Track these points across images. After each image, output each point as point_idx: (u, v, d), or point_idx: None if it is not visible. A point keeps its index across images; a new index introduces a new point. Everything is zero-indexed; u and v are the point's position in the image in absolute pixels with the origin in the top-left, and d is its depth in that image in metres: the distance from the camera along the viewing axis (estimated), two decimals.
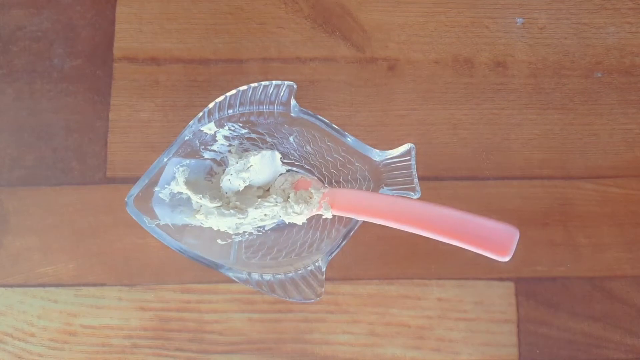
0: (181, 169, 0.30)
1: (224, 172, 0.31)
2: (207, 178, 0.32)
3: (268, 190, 0.32)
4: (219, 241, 0.31)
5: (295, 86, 0.30)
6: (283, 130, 0.31)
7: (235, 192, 0.31)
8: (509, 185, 0.36)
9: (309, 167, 0.32)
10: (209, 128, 0.30)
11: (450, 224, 0.25)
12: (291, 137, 0.32)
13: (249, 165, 0.31)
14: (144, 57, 0.36)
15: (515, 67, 0.37)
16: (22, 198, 0.35)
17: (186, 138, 0.30)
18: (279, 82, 0.30)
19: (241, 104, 0.30)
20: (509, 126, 0.36)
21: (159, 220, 0.29)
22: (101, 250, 0.35)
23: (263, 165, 0.31)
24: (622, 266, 0.35)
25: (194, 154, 0.31)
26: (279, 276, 0.28)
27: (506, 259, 0.25)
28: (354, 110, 0.36)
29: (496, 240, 0.25)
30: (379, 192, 0.29)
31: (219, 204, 0.30)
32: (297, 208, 0.30)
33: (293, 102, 0.30)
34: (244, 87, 0.30)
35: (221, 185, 0.31)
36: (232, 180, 0.31)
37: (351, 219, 0.29)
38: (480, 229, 0.25)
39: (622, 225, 0.36)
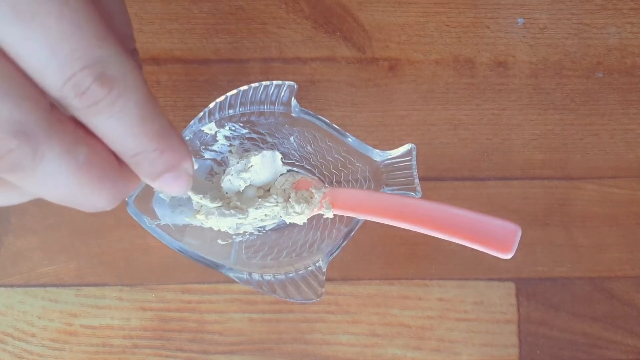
0: None
1: (224, 172, 0.31)
2: (208, 178, 0.32)
3: (269, 190, 0.32)
4: (219, 241, 0.31)
5: (296, 86, 0.30)
6: (284, 131, 0.31)
7: (235, 192, 0.31)
8: (510, 186, 0.36)
9: (309, 167, 0.32)
10: (210, 128, 0.30)
11: (451, 221, 0.25)
12: (292, 137, 0.32)
13: (249, 165, 0.31)
14: (144, 57, 0.36)
15: (516, 68, 0.37)
16: None
17: (187, 138, 0.30)
18: (280, 82, 0.30)
19: (242, 104, 0.30)
20: (510, 126, 0.36)
21: (160, 220, 0.29)
22: (102, 250, 0.35)
23: (264, 165, 0.31)
24: (622, 266, 0.35)
25: (195, 154, 0.31)
26: (280, 276, 0.28)
27: (508, 256, 0.24)
28: (354, 111, 0.36)
29: (498, 238, 0.25)
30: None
31: (219, 204, 0.30)
32: (298, 208, 0.30)
33: (294, 102, 0.30)
34: (245, 87, 0.30)
35: (222, 185, 0.31)
36: (233, 180, 0.31)
37: (352, 219, 0.29)
38: (481, 226, 0.25)
39: (622, 226, 0.36)
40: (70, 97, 0.13)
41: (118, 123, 0.14)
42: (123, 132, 0.14)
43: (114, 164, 0.15)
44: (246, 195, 0.31)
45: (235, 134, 0.31)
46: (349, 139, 0.30)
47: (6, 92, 0.12)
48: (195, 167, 0.30)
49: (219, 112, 0.30)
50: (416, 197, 0.29)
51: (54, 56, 0.12)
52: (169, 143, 0.15)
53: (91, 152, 0.14)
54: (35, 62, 0.12)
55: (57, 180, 0.14)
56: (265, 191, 0.32)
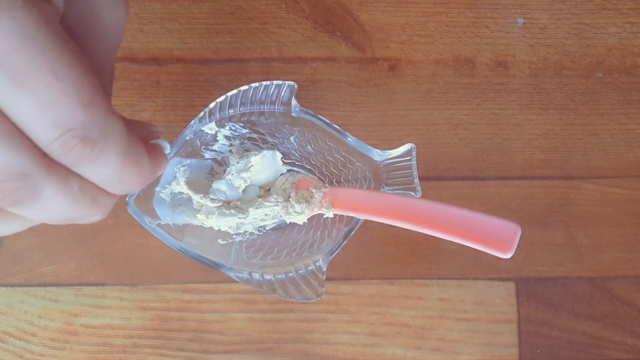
0: (182, 169, 0.30)
1: (224, 172, 0.31)
2: (208, 178, 0.32)
3: (269, 190, 0.32)
4: (219, 241, 0.31)
5: (296, 86, 0.30)
6: (284, 130, 0.31)
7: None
8: (510, 185, 0.36)
9: (309, 167, 0.32)
10: (210, 128, 0.30)
11: (451, 221, 0.25)
12: (292, 137, 0.32)
13: (249, 165, 0.31)
14: (145, 57, 0.37)
15: (516, 67, 0.37)
16: None
17: (187, 138, 0.30)
18: (280, 82, 0.30)
19: (242, 103, 0.30)
20: (510, 126, 0.36)
21: (160, 220, 0.29)
22: (102, 250, 0.35)
23: (264, 165, 0.31)
24: (622, 266, 0.35)
25: (195, 153, 0.31)
26: (280, 276, 0.28)
27: (508, 255, 0.24)
28: (354, 110, 0.36)
29: (498, 237, 0.25)
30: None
31: (219, 204, 0.30)
32: (298, 207, 0.30)
33: (294, 102, 0.30)
34: (245, 87, 0.30)
35: (212, 186, 0.31)
36: (233, 180, 0.31)
37: (352, 218, 0.29)
38: (481, 225, 0.25)
39: (622, 226, 0.36)
40: (57, 153, 0.15)
41: (101, 172, 0.16)
42: (106, 179, 0.17)
43: None
44: (248, 194, 0.31)
45: (236, 133, 0.31)
46: (349, 139, 0.30)
47: (7, 143, 0.14)
48: (193, 175, 0.30)
49: (219, 112, 0.30)
50: (416, 196, 0.29)
51: (41, 119, 0.14)
52: (152, 175, 0.18)
53: (82, 181, 0.17)
54: (25, 123, 0.15)
55: (55, 209, 0.16)
56: (265, 191, 0.32)
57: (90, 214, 0.18)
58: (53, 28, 0.14)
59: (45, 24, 0.14)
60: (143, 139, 0.19)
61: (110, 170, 0.16)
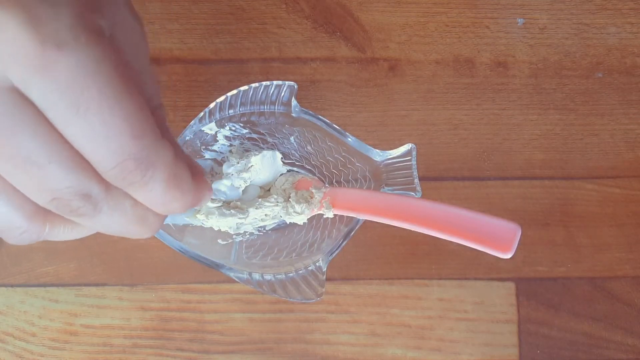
0: None
1: (224, 174, 0.31)
2: (208, 178, 0.32)
3: (269, 190, 0.32)
4: (219, 241, 0.31)
5: (296, 86, 0.30)
6: (284, 131, 0.31)
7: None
8: (510, 186, 0.36)
9: (309, 167, 0.32)
10: (210, 128, 0.30)
11: (451, 221, 0.25)
12: (292, 137, 0.32)
13: (249, 165, 0.31)
14: None
15: (516, 68, 0.37)
16: None
17: (187, 138, 0.30)
18: (280, 82, 0.30)
19: (242, 104, 0.30)
20: (510, 126, 0.36)
21: None
22: (102, 250, 0.35)
23: (264, 165, 0.31)
24: (623, 266, 0.35)
25: (195, 154, 0.31)
26: (280, 276, 0.28)
27: (508, 255, 0.24)
28: (354, 111, 0.36)
29: (498, 237, 0.25)
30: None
31: (219, 204, 0.30)
32: (298, 208, 0.30)
33: (294, 102, 0.30)
34: (245, 87, 0.30)
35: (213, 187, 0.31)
36: (233, 180, 0.31)
37: (352, 218, 0.29)
38: (481, 225, 0.25)
39: (622, 226, 0.36)
40: (113, 179, 0.18)
41: (149, 195, 0.19)
42: (153, 201, 0.19)
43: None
44: (248, 195, 0.31)
45: (236, 134, 0.31)
46: (349, 139, 0.30)
47: (72, 168, 0.17)
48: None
49: (219, 112, 0.30)
50: (416, 197, 0.29)
51: (99, 151, 0.17)
52: (194, 197, 0.20)
53: (134, 202, 0.19)
54: (85, 152, 0.17)
55: (111, 224, 0.19)
56: (265, 191, 0.32)
57: (140, 231, 0.20)
58: (111, 63, 0.16)
59: (105, 60, 0.16)
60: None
61: (156, 193, 0.19)
